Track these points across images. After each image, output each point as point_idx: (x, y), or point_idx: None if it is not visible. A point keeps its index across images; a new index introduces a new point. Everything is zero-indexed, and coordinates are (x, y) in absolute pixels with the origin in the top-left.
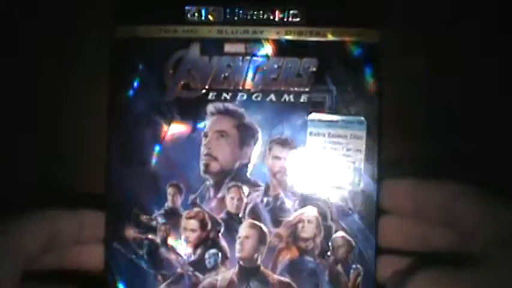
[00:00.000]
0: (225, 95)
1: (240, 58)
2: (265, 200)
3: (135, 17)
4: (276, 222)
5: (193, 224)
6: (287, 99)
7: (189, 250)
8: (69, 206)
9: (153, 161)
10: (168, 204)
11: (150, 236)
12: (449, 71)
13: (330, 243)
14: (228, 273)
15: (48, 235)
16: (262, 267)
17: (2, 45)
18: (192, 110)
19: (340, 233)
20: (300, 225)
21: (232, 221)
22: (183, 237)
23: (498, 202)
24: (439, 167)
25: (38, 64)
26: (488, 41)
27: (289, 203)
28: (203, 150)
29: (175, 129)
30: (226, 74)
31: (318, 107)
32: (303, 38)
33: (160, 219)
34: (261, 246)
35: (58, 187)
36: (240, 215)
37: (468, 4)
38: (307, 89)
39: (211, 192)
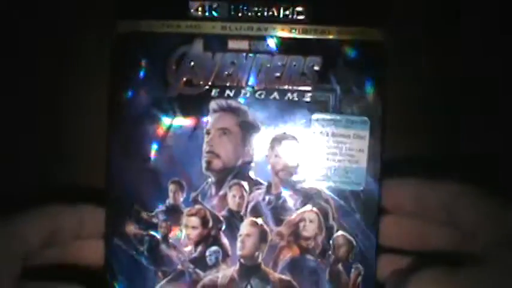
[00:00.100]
0: (228, 92)
1: (244, 55)
2: (267, 198)
3: (137, 11)
4: (278, 221)
5: (195, 221)
6: (291, 97)
7: (190, 247)
8: (69, 201)
9: (155, 157)
10: (170, 201)
11: (151, 233)
12: (451, 70)
13: (331, 242)
14: (228, 270)
15: (48, 230)
16: (263, 265)
17: (2, 45)
18: (194, 107)
19: (341, 232)
20: (301, 224)
21: (234, 219)
22: (184, 234)
23: (499, 202)
24: (441, 167)
25: (39, 59)
26: (489, 41)
27: (291, 202)
28: (205, 147)
29: (178, 126)
30: (230, 71)
31: (321, 106)
32: (307, 36)
33: (161, 216)
34: (262, 244)
35: (59, 183)
36: (242, 213)
37: (469, 4)
38: (311, 88)
39: (213, 189)
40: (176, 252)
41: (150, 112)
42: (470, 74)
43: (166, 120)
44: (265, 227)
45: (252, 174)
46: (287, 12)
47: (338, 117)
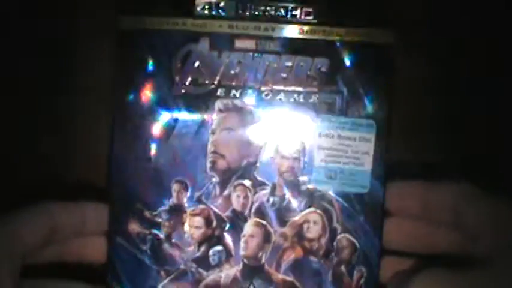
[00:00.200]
0: (234, 91)
1: (251, 55)
2: (271, 199)
3: (143, 8)
4: (282, 222)
5: (198, 221)
6: (297, 98)
7: (193, 247)
8: (70, 198)
9: (159, 156)
10: (173, 200)
11: (154, 232)
12: (457, 72)
13: (334, 244)
14: (231, 270)
15: (48, 228)
16: (266, 266)
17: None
18: (200, 106)
19: (345, 235)
20: (305, 226)
21: (238, 219)
22: (187, 233)
23: (504, 204)
24: (445, 170)
25: (41, 57)
26: (495, 44)
27: (295, 203)
28: (210, 147)
29: (182, 125)
30: (236, 71)
31: (327, 108)
32: (315, 37)
33: (165, 215)
34: (266, 245)
35: (61, 180)
36: (246, 214)
37: (476, 6)
38: (317, 89)
39: (217, 189)
40: (179, 252)
41: (154, 110)
42: (477, 75)
43: (171, 119)
44: (269, 227)
45: (256, 175)
46: (295, 13)
47: (344, 119)
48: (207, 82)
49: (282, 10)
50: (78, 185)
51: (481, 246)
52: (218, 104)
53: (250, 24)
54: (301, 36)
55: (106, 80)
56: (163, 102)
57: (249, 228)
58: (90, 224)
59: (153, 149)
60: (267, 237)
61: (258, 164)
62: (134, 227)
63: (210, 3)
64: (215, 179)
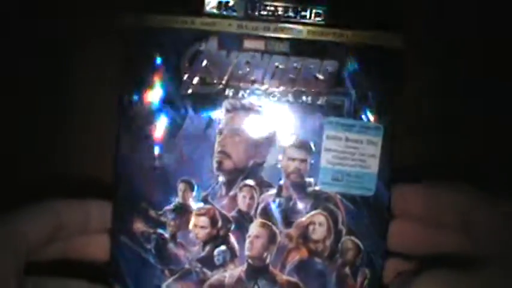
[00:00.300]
0: (242, 92)
1: (260, 55)
2: (277, 200)
3: (151, 5)
4: (287, 223)
5: (204, 220)
6: (305, 100)
7: (198, 246)
8: (75, 196)
9: (165, 155)
10: (179, 200)
11: (158, 231)
12: (465, 76)
13: (339, 246)
14: (236, 270)
15: (52, 225)
16: (270, 267)
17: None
18: (207, 106)
19: (350, 237)
20: (311, 227)
21: (243, 220)
22: (192, 233)
23: (510, 207)
24: (451, 172)
25: (48, 54)
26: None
27: (301, 205)
28: (217, 147)
29: (189, 125)
30: (245, 71)
31: (335, 110)
32: (324, 38)
33: (170, 215)
34: (271, 246)
35: (64, 178)
36: (251, 214)
37: (485, 11)
38: (325, 91)
39: (223, 189)
40: (184, 251)
41: (161, 109)
42: (486, 78)
43: (178, 118)
44: (274, 228)
45: (263, 175)
46: (305, 14)
47: (352, 122)
48: (215, 82)
49: (291, 11)
50: (82, 183)
51: (485, 248)
52: (226, 104)
53: (259, 24)
54: (310, 38)
55: (114, 78)
56: (171, 101)
57: (254, 228)
58: (94, 222)
59: (160, 148)
60: (272, 238)
61: (264, 165)
62: (139, 226)
63: (219, 2)
64: (221, 179)
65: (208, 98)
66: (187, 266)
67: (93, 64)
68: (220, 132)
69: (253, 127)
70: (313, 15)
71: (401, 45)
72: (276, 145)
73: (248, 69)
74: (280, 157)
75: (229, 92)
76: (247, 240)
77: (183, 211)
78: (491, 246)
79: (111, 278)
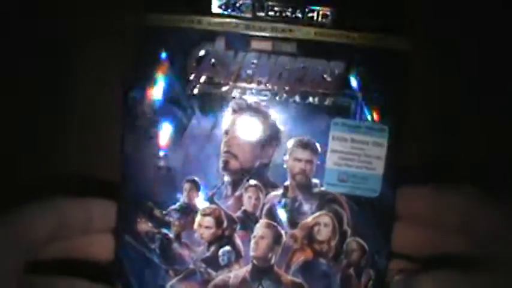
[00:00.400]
0: (249, 92)
1: (267, 56)
2: (283, 201)
3: (158, 5)
4: (292, 224)
5: (209, 221)
6: (311, 101)
7: (203, 247)
8: (78, 194)
9: (171, 155)
10: (184, 199)
11: (163, 231)
12: (473, 77)
13: (344, 247)
14: (241, 271)
15: (55, 224)
16: (275, 267)
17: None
18: (214, 106)
19: (355, 238)
20: (316, 228)
21: (249, 220)
22: (197, 233)
23: None
24: (456, 174)
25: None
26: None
27: (306, 206)
28: (223, 147)
29: (196, 124)
30: (252, 71)
31: (342, 111)
32: (332, 40)
33: (175, 215)
34: (276, 247)
35: (70, 175)
36: (257, 215)
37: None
38: (332, 92)
39: (229, 190)
40: (188, 251)
41: (168, 109)
42: (491, 81)
43: (184, 118)
44: (279, 229)
45: (269, 176)
46: (312, 15)
47: (358, 123)
48: (221, 82)
49: (299, 12)
50: (83, 183)
51: (489, 250)
52: (232, 104)
53: (267, 25)
54: (317, 39)
55: (120, 77)
56: (177, 101)
57: (259, 229)
58: (97, 221)
59: (165, 147)
60: (277, 238)
61: (270, 165)
62: (143, 225)
63: (227, 2)
64: (227, 179)
65: (214, 98)
66: (191, 266)
67: (93, 64)
68: (227, 133)
69: (259, 127)
70: (320, 16)
71: (408, 47)
72: (282, 146)
73: (255, 69)
74: (286, 158)
75: (236, 92)
76: (252, 241)
77: (188, 211)
78: (494, 247)
79: (115, 277)
